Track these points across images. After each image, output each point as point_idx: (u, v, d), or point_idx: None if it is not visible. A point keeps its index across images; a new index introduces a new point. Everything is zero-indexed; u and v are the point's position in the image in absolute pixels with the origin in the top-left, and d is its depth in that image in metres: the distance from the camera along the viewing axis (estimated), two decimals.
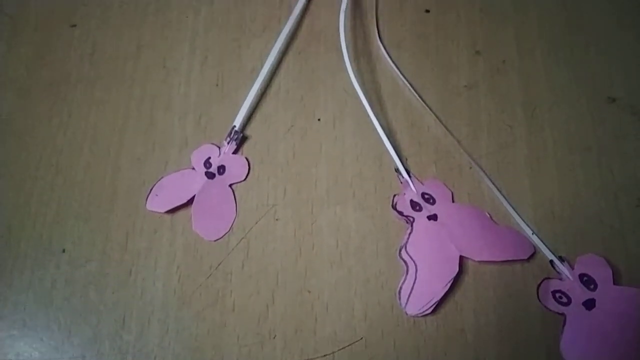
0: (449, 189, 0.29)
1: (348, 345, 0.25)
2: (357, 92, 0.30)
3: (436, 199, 0.28)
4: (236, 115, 0.30)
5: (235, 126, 0.30)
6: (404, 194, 0.28)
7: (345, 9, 0.33)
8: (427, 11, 0.34)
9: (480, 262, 0.26)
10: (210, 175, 0.28)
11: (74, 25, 0.33)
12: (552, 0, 0.34)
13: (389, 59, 0.32)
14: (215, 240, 0.27)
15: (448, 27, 0.33)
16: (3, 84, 0.31)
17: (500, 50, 0.33)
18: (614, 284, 0.26)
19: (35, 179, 0.29)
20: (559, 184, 0.29)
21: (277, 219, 0.28)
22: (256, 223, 0.28)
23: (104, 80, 0.31)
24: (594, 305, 0.25)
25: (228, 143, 0.29)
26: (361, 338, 0.25)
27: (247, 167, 0.29)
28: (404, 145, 0.30)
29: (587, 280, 0.26)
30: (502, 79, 0.32)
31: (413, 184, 0.28)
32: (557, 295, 0.26)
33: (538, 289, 0.26)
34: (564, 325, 0.25)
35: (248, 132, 0.30)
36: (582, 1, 0.34)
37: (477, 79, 0.32)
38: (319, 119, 0.31)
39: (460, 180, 0.29)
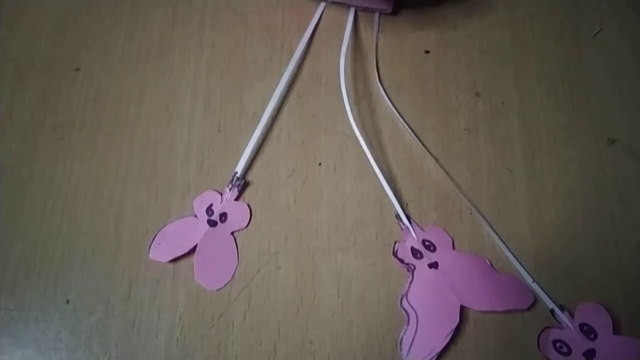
0: (450, 236, 0.29)
1: None
2: (357, 136, 0.30)
3: (437, 246, 0.28)
4: (238, 160, 0.30)
5: (237, 172, 0.30)
6: (405, 240, 0.28)
7: (346, 51, 0.33)
8: (427, 52, 0.34)
9: (480, 311, 0.27)
10: (212, 223, 0.29)
11: (78, 69, 0.33)
12: (551, 41, 0.34)
13: (389, 102, 0.32)
14: (217, 290, 0.27)
15: (448, 68, 0.34)
16: (7, 130, 0.31)
17: (499, 91, 0.33)
18: (614, 333, 0.26)
19: (41, 228, 0.29)
20: (559, 229, 0.29)
21: (278, 268, 0.28)
22: (258, 272, 0.28)
23: (107, 124, 0.32)
24: (594, 356, 0.25)
25: (230, 190, 0.30)
26: None
27: (249, 214, 0.29)
28: (405, 190, 0.30)
29: (587, 330, 0.26)
30: (501, 121, 0.32)
31: (414, 231, 0.28)
32: (558, 344, 0.26)
33: (539, 338, 0.26)
34: None
35: (250, 177, 0.31)
36: (581, 43, 0.34)
37: (476, 122, 0.32)
38: (320, 164, 0.31)
39: (460, 226, 0.29)
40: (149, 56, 0.34)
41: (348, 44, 0.34)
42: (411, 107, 0.32)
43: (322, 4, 0.35)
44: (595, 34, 0.35)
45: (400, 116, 0.32)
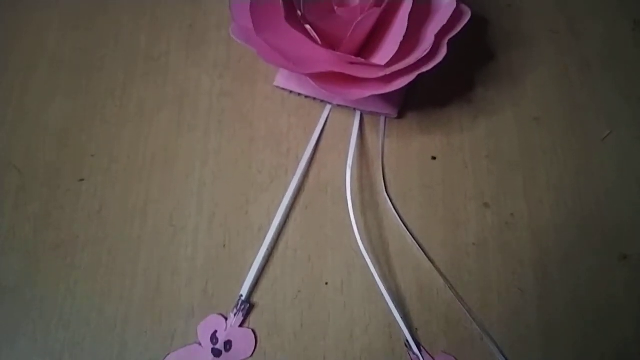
0: None
1: None
2: (364, 253, 0.30)
3: None
4: (243, 280, 0.30)
5: (242, 295, 0.29)
6: None
7: (352, 159, 0.33)
8: (434, 158, 0.34)
9: None
10: (216, 353, 0.28)
11: (82, 180, 0.33)
12: (559, 146, 0.34)
13: (396, 214, 0.32)
14: None
15: (455, 176, 0.33)
16: (9, 248, 0.31)
17: (508, 202, 0.32)
18: None
19: (44, 355, 0.28)
20: (573, 353, 0.28)
21: None
22: None
23: (111, 241, 0.31)
24: None
25: (235, 315, 0.29)
26: None
27: (254, 341, 0.29)
28: (414, 314, 0.30)
29: None
30: (511, 234, 0.32)
31: None
32: None
33: None
34: None
35: (255, 298, 0.30)
36: (590, 147, 0.34)
37: (485, 235, 0.32)
38: (326, 283, 0.30)
39: (471, 353, 0.29)
40: (153, 165, 0.34)
41: (354, 151, 0.33)
42: (418, 219, 0.32)
43: (328, 107, 0.35)
44: (604, 138, 0.34)
45: (408, 230, 0.31)
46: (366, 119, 0.35)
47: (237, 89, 0.36)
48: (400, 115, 0.35)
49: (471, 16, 0.31)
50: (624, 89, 0.36)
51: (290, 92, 0.35)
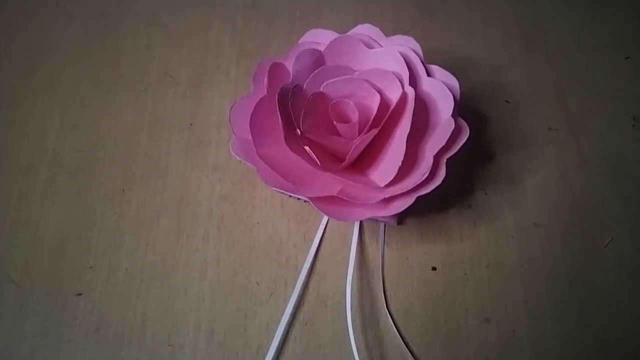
0: None
1: None
2: None
3: None
4: None
5: None
6: None
7: (352, 271, 0.32)
8: (434, 269, 0.34)
9: None
10: None
11: (80, 294, 0.33)
12: (561, 256, 0.34)
13: (397, 332, 0.31)
14: None
15: (455, 289, 0.33)
16: None
17: (509, 316, 0.32)
18: None
19: None
20: None
21: None
22: None
23: None
24: None
25: None
26: None
27: None
28: None
29: None
30: (513, 352, 0.31)
31: None
32: None
33: None
34: None
35: None
36: (590, 254, 0.34)
37: (487, 355, 0.31)
38: None
39: None
40: (152, 277, 0.34)
41: (354, 262, 0.33)
42: (419, 337, 0.32)
43: None
44: (605, 245, 0.34)
45: (409, 349, 0.31)
46: (366, 225, 0.35)
47: (237, 192, 0.36)
48: (400, 221, 0.35)
49: (469, 133, 0.31)
50: (623, 190, 0.36)
51: (290, 195, 0.35)
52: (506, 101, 0.40)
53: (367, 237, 0.35)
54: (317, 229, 0.35)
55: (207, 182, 0.37)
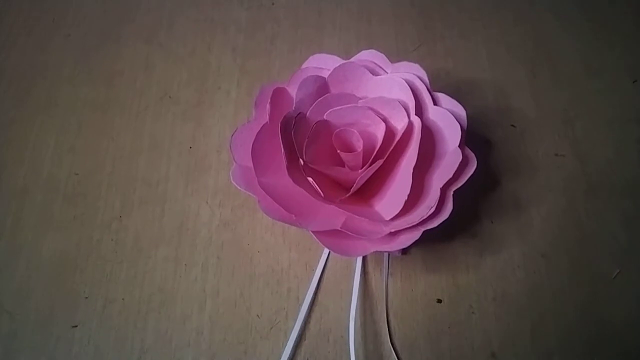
0: None
1: None
2: None
3: None
4: None
5: None
6: None
7: (356, 304, 0.32)
8: (439, 301, 0.33)
9: None
10: None
11: (75, 326, 0.32)
12: (568, 289, 0.33)
13: None
14: None
15: (461, 322, 0.32)
16: None
17: (516, 352, 0.31)
18: None
19: None
20: None
21: None
22: None
23: None
24: None
25: None
26: None
27: None
28: None
29: None
30: None
31: None
32: None
33: None
34: None
35: None
36: (598, 287, 0.33)
37: None
38: None
39: None
40: (149, 309, 0.33)
41: (357, 294, 0.32)
42: None
43: None
44: (614, 277, 0.33)
45: None
46: (369, 254, 0.34)
47: (237, 219, 0.35)
48: (404, 251, 0.34)
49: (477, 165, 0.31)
50: (632, 219, 0.35)
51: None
52: (512, 125, 0.39)
53: (370, 267, 0.34)
54: (320, 258, 0.34)
55: (206, 208, 0.36)
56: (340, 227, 0.29)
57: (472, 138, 0.31)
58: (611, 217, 0.35)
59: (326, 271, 0.34)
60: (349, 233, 0.28)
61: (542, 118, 0.39)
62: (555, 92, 0.40)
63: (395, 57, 0.33)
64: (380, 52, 0.33)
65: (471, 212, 0.35)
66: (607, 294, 0.33)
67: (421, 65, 0.32)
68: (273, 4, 0.45)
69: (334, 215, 0.30)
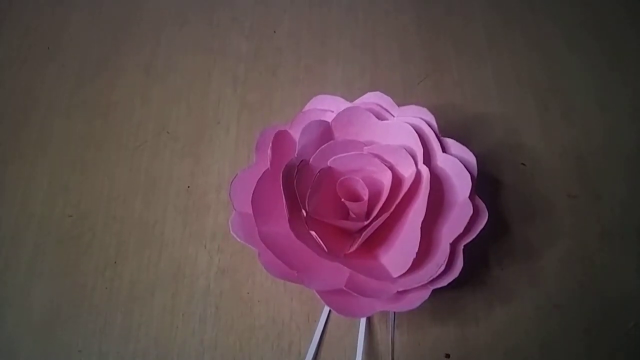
0: None
1: None
2: None
3: None
4: None
5: None
6: None
7: None
8: (447, 356, 0.31)
9: None
10: None
11: None
12: (583, 345, 0.31)
13: None
14: None
15: None
16: None
17: None
18: None
19: None
20: None
21: None
22: None
23: None
24: None
25: None
26: None
27: None
28: None
29: None
30: None
31: None
32: None
33: None
34: None
35: None
36: (616, 345, 0.31)
37: None
38: None
39: None
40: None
41: (362, 349, 0.31)
42: None
43: None
44: (629, 329, 0.32)
45: None
46: None
47: (237, 265, 0.34)
48: None
49: (487, 215, 0.29)
50: None
51: None
52: (522, 164, 0.37)
53: (375, 318, 0.33)
54: (322, 309, 0.32)
55: (204, 253, 0.34)
56: (345, 287, 0.27)
57: (481, 178, 0.30)
58: (626, 263, 0.34)
59: (329, 323, 0.32)
60: (354, 294, 0.27)
61: (553, 156, 0.37)
62: (567, 128, 0.38)
63: (400, 90, 0.32)
64: (386, 92, 0.32)
65: (479, 256, 0.33)
66: (623, 347, 0.31)
67: (427, 99, 0.31)
68: (275, 32, 0.43)
69: (338, 272, 0.28)
